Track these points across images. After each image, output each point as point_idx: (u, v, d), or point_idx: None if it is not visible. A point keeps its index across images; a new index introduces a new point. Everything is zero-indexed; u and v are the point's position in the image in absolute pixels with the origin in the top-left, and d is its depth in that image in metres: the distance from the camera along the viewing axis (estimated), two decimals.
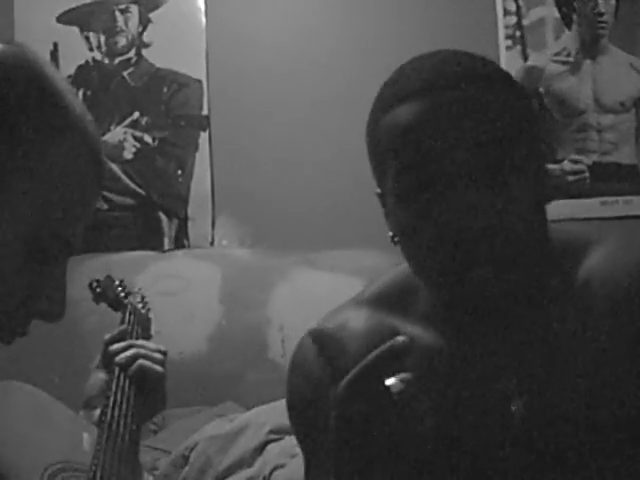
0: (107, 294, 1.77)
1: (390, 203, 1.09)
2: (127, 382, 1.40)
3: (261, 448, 2.44)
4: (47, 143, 0.80)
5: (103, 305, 1.80)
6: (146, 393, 1.41)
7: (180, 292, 3.13)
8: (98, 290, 1.79)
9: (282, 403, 2.74)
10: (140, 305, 1.69)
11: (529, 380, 1.10)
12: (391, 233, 1.10)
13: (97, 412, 1.39)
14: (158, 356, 1.45)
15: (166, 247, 3.19)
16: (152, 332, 1.64)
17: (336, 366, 1.13)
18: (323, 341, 1.20)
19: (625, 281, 1.08)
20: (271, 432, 2.47)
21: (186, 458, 2.50)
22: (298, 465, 2.28)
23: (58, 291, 0.87)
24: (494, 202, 1.00)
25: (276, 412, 2.58)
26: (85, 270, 3.18)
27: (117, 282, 1.80)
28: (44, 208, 0.81)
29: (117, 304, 1.72)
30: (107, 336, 1.50)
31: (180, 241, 3.18)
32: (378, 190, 1.13)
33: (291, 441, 2.43)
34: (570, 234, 1.18)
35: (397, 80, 1.14)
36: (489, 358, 1.11)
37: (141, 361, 1.42)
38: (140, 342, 1.48)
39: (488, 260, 1.01)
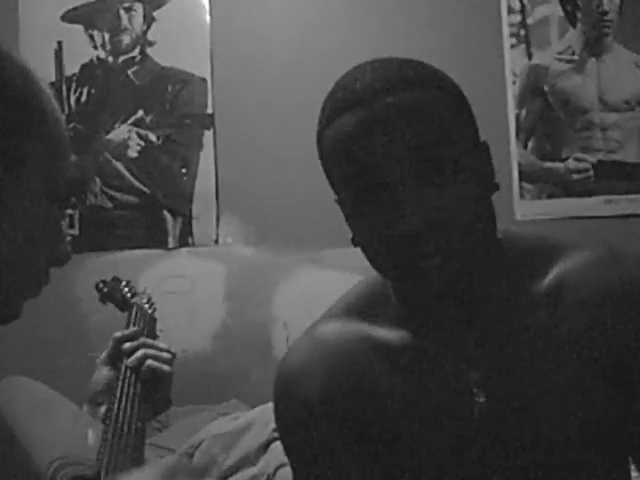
0: (113, 295, 1.78)
1: (345, 207, 1.15)
2: (134, 380, 1.40)
3: (265, 446, 2.44)
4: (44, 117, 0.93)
5: (109, 305, 1.81)
6: (152, 392, 1.42)
7: (184, 290, 3.13)
8: (105, 291, 1.80)
9: None
10: (146, 306, 1.69)
11: (492, 374, 1.14)
12: (351, 235, 1.16)
13: (102, 408, 1.39)
14: (166, 356, 1.46)
15: (170, 245, 3.19)
16: (158, 332, 1.65)
17: (311, 387, 1.22)
18: (296, 377, 1.28)
19: (595, 285, 1.14)
20: (275, 430, 2.47)
21: (190, 456, 2.50)
22: None
23: (63, 237, 0.99)
24: (435, 199, 1.05)
25: None
26: (90, 268, 3.19)
27: (124, 283, 1.81)
28: (52, 163, 0.93)
29: (123, 304, 1.73)
30: (118, 334, 1.51)
31: (184, 239, 3.19)
32: (335, 197, 1.18)
33: None
34: (544, 237, 1.23)
35: (336, 92, 1.15)
36: (452, 353, 1.15)
37: (150, 362, 1.43)
38: (150, 341, 1.49)
39: (435, 252, 1.05)
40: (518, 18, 3.08)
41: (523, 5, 3.07)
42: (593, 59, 3.03)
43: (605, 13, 3.02)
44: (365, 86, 1.09)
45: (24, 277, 0.94)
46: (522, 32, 3.07)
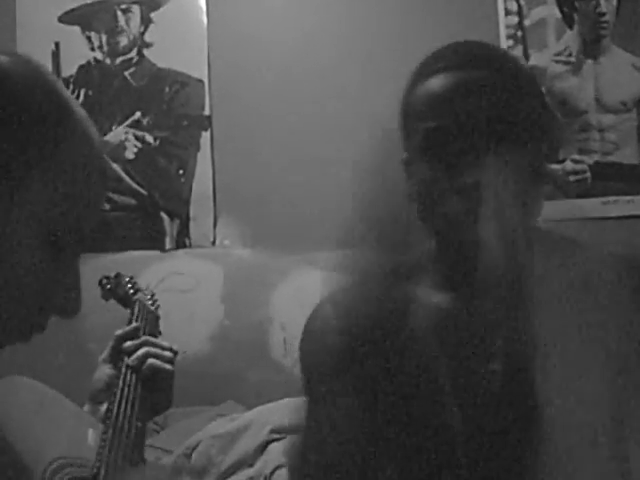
0: (117, 291, 1.78)
1: (415, 161, 1.28)
2: (135, 379, 1.40)
3: (263, 447, 2.44)
4: (55, 142, 0.86)
5: (111, 302, 1.80)
6: (153, 391, 1.41)
7: (182, 292, 3.13)
8: (108, 287, 1.80)
9: (284, 403, 2.76)
10: (149, 302, 1.69)
11: (512, 343, 1.22)
12: (409, 192, 1.31)
13: (103, 407, 1.39)
14: (168, 354, 1.45)
15: (168, 247, 3.19)
16: (160, 329, 1.64)
17: (346, 315, 1.31)
18: (338, 300, 1.37)
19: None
20: (273, 431, 2.47)
21: (188, 457, 2.50)
22: None
23: (73, 286, 0.93)
24: (496, 165, 1.18)
25: (278, 411, 2.58)
26: (87, 270, 3.17)
27: (127, 279, 1.81)
28: (57, 203, 0.86)
29: (126, 301, 1.73)
30: (119, 331, 1.51)
31: (182, 241, 3.18)
32: (404, 155, 1.32)
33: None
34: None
35: (432, 58, 1.31)
36: (480, 317, 1.25)
37: (151, 360, 1.42)
38: (152, 340, 1.48)
39: (483, 214, 1.17)
40: (515, 20, 3.08)
41: (520, 7, 3.08)
42: (590, 61, 3.04)
43: (602, 15, 3.02)
44: (459, 56, 1.27)
45: (8, 323, 0.88)
46: (519, 34, 3.07)
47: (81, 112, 0.92)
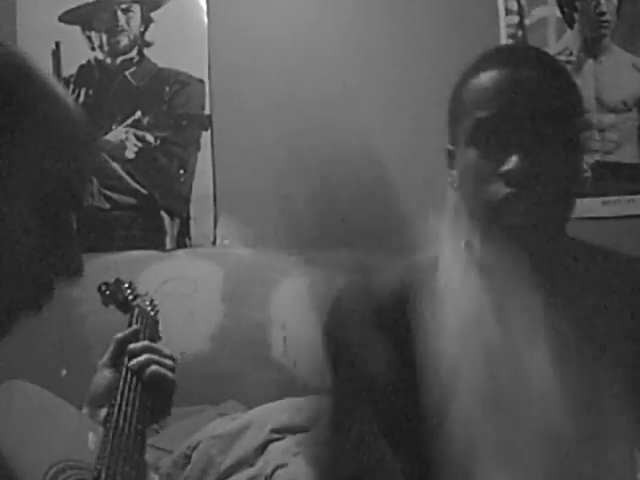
0: (116, 297, 1.77)
1: (460, 151, 1.37)
2: (136, 382, 1.39)
3: (263, 447, 2.44)
4: (40, 115, 0.92)
5: (108, 306, 1.80)
6: (154, 397, 1.41)
7: (182, 291, 3.13)
8: (107, 293, 1.79)
9: (284, 402, 2.76)
10: (149, 308, 1.68)
11: (541, 333, 1.30)
12: (450, 179, 1.42)
13: (102, 410, 1.38)
14: (170, 363, 1.45)
15: (168, 246, 3.19)
16: (160, 334, 1.64)
17: (375, 293, 1.40)
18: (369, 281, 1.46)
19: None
20: (273, 431, 2.47)
21: (188, 457, 2.50)
22: (300, 464, 2.29)
23: (71, 245, 0.95)
24: (540, 158, 1.28)
25: (278, 411, 2.58)
26: (87, 269, 3.17)
27: (126, 285, 1.80)
28: (47, 168, 0.90)
29: (125, 307, 1.72)
30: (119, 335, 1.50)
31: (182, 240, 3.19)
32: (449, 147, 1.43)
33: (293, 440, 2.43)
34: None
35: (481, 57, 1.46)
36: (510, 304, 1.33)
37: (154, 367, 1.42)
38: (155, 346, 1.47)
39: (526, 211, 1.27)
40: (515, 19, 3.08)
41: (520, 6, 3.07)
42: (590, 60, 3.04)
43: (603, 14, 3.02)
44: (508, 55, 1.42)
45: (15, 292, 0.90)
46: (520, 33, 3.07)
47: (52, 83, 0.97)
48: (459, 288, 1.37)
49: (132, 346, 1.45)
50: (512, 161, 1.27)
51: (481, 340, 1.32)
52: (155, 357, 1.43)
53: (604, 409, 1.29)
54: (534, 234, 1.29)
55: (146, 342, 1.47)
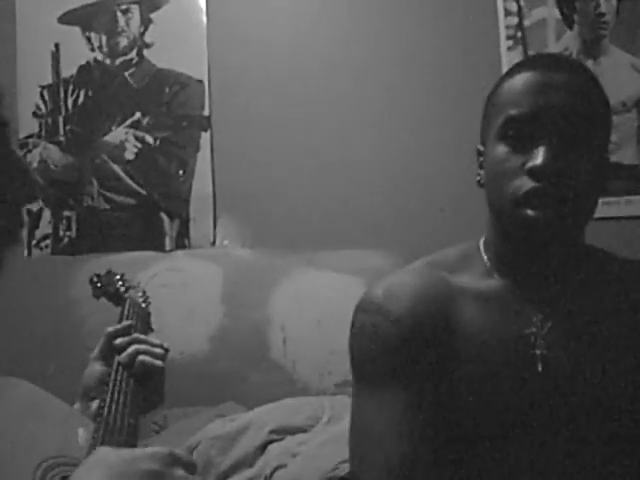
0: (107, 289, 1.76)
1: (490, 148, 1.41)
2: (126, 376, 1.39)
3: (262, 448, 2.44)
4: None
5: (103, 301, 1.80)
6: (145, 388, 1.41)
7: (182, 292, 3.13)
8: (98, 285, 1.79)
9: (283, 403, 2.75)
10: (141, 299, 1.68)
11: (558, 331, 1.35)
12: (478, 178, 1.46)
13: (94, 403, 1.38)
14: (159, 351, 1.44)
15: (167, 247, 3.19)
16: (153, 326, 1.63)
17: (395, 316, 1.38)
18: (390, 285, 1.44)
19: None
20: (272, 432, 2.47)
21: None
22: (299, 465, 2.29)
23: (23, 173, 0.96)
24: (566, 160, 1.32)
25: (277, 412, 2.58)
26: (87, 270, 3.18)
27: (118, 276, 1.80)
28: None
29: (117, 298, 1.72)
30: (110, 329, 1.50)
31: (181, 241, 3.19)
32: (480, 147, 1.47)
33: (292, 441, 2.43)
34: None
35: (521, 61, 1.52)
36: (527, 303, 1.38)
37: (142, 357, 1.42)
38: (143, 337, 1.47)
39: (550, 205, 1.30)
40: (515, 20, 3.08)
41: (520, 7, 3.07)
42: (590, 61, 3.03)
43: (602, 15, 3.02)
44: (541, 61, 1.43)
45: None
46: (519, 34, 3.07)
47: None
48: (476, 290, 1.41)
49: (119, 340, 1.45)
50: (538, 156, 1.31)
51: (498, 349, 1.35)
52: (143, 347, 1.43)
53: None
54: (554, 229, 1.32)
55: (134, 335, 1.47)
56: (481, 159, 1.47)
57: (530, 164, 1.32)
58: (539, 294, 1.39)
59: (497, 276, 1.43)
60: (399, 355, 1.36)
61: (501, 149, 1.38)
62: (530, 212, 1.31)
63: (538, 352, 1.34)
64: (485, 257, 1.46)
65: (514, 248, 1.41)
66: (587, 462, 1.31)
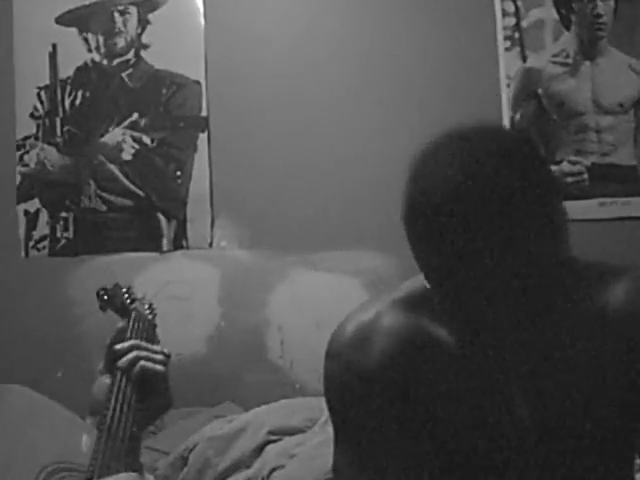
0: (114, 301, 1.76)
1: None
2: (128, 384, 1.38)
3: (260, 449, 2.44)
4: None
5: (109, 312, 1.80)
6: (149, 394, 1.40)
7: (179, 293, 3.13)
8: (105, 298, 1.78)
9: (280, 404, 2.76)
10: (147, 311, 1.68)
11: (534, 383, 1.26)
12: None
13: None
14: (159, 357, 1.44)
15: (165, 248, 3.19)
16: (159, 338, 1.63)
17: (365, 355, 1.33)
18: (357, 331, 1.37)
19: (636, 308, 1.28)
20: (270, 433, 2.47)
21: (185, 459, 2.50)
22: (297, 466, 2.29)
23: None
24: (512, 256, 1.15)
25: (275, 413, 2.58)
26: (84, 271, 3.19)
27: (124, 289, 1.80)
28: None
29: (123, 311, 1.72)
30: (108, 340, 1.50)
31: (179, 242, 3.18)
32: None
33: (290, 442, 2.43)
34: (596, 264, 1.35)
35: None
36: (498, 359, 1.26)
37: (142, 363, 1.41)
38: (142, 343, 1.47)
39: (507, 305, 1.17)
40: (512, 21, 3.08)
41: (517, 8, 3.08)
42: (587, 62, 3.04)
43: (599, 16, 3.02)
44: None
45: None
46: (516, 35, 3.07)
47: None
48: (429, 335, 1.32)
49: (118, 346, 1.44)
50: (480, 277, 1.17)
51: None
52: (143, 353, 1.42)
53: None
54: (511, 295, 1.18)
55: (132, 341, 1.47)
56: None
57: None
58: (507, 342, 1.27)
59: (449, 323, 1.31)
60: (366, 410, 1.32)
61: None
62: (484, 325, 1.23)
63: (519, 405, 1.27)
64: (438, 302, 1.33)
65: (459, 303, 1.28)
66: None
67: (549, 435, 1.26)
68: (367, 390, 1.31)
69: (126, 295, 1.77)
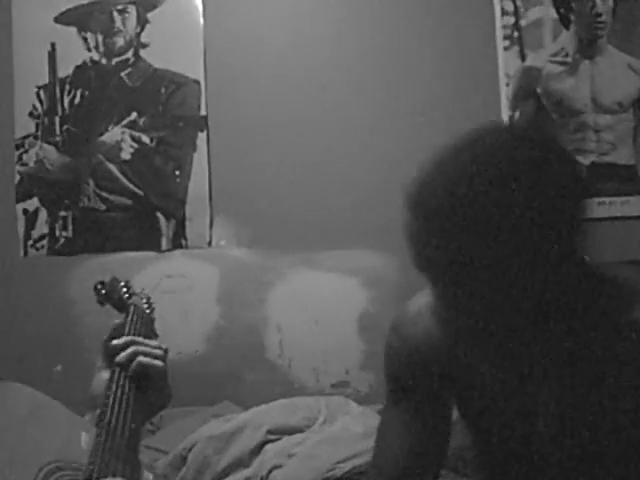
0: (112, 296, 1.76)
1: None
2: (126, 380, 1.38)
3: (259, 448, 2.44)
4: None
5: (104, 306, 1.79)
6: (148, 389, 1.39)
7: (178, 292, 3.13)
8: (103, 292, 1.78)
9: (279, 403, 2.75)
10: (145, 306, 1.67)
11: (558, 399, 1.26)
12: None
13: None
14: (158, 352, 1.43)
15: (164, 247, 3.18)
16: (157, 332, 1.63)
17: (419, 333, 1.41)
18: (417, 310, 1.44)
19: None
20: (269, 432, 2.47)
21: (184, 458, 2.49)
22: (295, 465, 2.29)
23: None
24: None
25: (274, 412, 2.58)
26: (83, 270, 3.19)
27: (122, 283, 1.79)
28: None
29: (121, 305, 1.71)
30: (105, 336, 1.49)
31: (178, 241, 3.18)
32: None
33: (289, 441, 2.43)
34: (629, 280, 1.31)
35: None
36: (527, 371, 1.28)
37: (140, 358, 1.40)
38: (139, 339, 1.46)
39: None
40: (511, 20, 3.08)
41: (516, 7, 3.08)
42: (586, 61, 3.04)
43: (598, 15, 3.02)
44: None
45: None
46: (515, 34, 3.07)
47: None
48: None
49: (115, 342, 1.43)
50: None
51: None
52: (140, 348, 1.41)
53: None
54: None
55: (129, 336, 1.46)
56: None
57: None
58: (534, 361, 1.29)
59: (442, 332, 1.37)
60: (408, 379, 1.43)
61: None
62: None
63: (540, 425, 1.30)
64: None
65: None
66: None
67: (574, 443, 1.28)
68: (416, 359, 1.41)
69: (124, 289, 1.76)
